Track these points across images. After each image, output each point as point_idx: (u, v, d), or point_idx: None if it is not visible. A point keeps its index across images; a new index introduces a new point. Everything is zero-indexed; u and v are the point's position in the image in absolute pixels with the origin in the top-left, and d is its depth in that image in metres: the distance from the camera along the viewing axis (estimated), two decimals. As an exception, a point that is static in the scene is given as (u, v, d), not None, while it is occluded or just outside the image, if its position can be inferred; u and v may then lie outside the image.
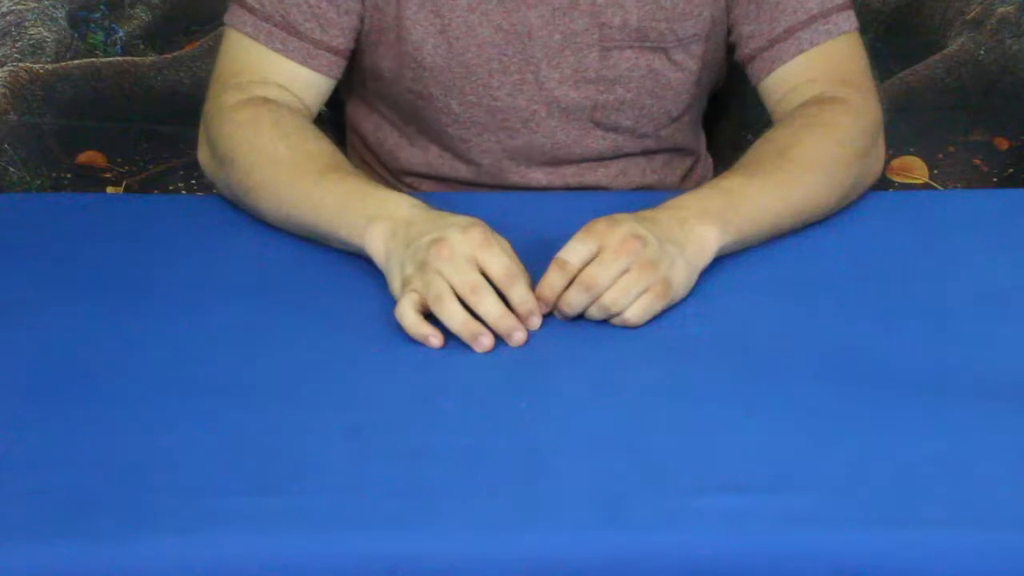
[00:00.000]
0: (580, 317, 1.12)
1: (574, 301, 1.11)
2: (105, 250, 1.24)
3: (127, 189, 1.88)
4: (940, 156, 1.90)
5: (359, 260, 1.19)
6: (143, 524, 0.92)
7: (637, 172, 1.45)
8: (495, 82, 1.37)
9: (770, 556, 0.91)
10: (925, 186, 1.92)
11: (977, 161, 1.90)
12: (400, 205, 1.17)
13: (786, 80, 1.35)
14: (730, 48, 1.41)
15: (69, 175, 1.85)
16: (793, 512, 0.93)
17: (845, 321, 1.13)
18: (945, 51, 1.84)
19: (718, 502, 0.93)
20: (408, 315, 1.10)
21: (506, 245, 1.13)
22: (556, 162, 1.42)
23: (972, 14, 1.82)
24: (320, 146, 1.27)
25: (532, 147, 1.41)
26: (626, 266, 1.10)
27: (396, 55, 1.38)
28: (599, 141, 1.41)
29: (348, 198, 1.20)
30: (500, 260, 1.11)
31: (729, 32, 1.39)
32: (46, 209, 1.34)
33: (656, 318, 1.12)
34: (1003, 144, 1.89)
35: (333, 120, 1.56)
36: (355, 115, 1.50)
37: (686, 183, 1.50)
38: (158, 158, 1.85)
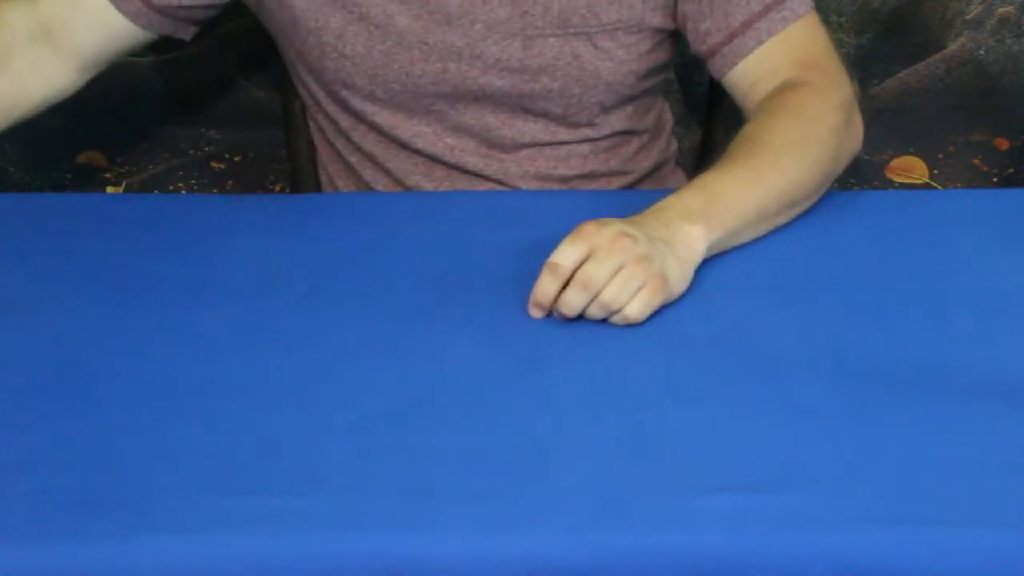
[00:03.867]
0: (579, 317, 1.12)
1: (573, 301, 1.11)
2: (105, 250, 1.24)
3: (127, 189, 1.87)
4: (940, 156, 1.90)
5: (360, 259, 1.19)
6: (144, 524, 0.92)
7: (579, 160, 1.45)
8: (417, 70, 1.37)
9: (770, 556, 0.91)
10: (925, 186, 1.92)
11: (977, 161, 1.90)
12: None
13: (749, 72, 1.35)
14: (677, 40, 1.42)
15: (69, 175, 1.85)
16: (793, 512, 0.93)
17: (845, 321, 1.13)
18: (945, 51, 1.84)
19: (718, 502, 0.93)
20: None
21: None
22: (490, 145, 1.42)
23: (972, 14, 1.82)
24: None
25: (462, 129, 1.40)
26: (620, 263, 1.10)
27: (317, 44, 1.38)
28: (530, 124, 1.41)
29: None
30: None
31: (677, 26, 1.39)
32: (46, 209, 1.34)
33: (656, 318, 1.12)
34: (1003, 144, 1.89)
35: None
36: (315, 131, 1.51)
37: (634, 164, 1.49)
38: (158, 158, 1.85)
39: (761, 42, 1.34)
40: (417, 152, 1.43)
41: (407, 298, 1.16)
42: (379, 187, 1.46)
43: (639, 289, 1.11)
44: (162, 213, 1.32)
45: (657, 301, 1.12)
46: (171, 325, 1.13)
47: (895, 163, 1.93)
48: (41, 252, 1.24)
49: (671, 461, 0.98)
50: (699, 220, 1.17)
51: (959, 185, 1.92)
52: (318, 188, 1.61)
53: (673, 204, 1.18)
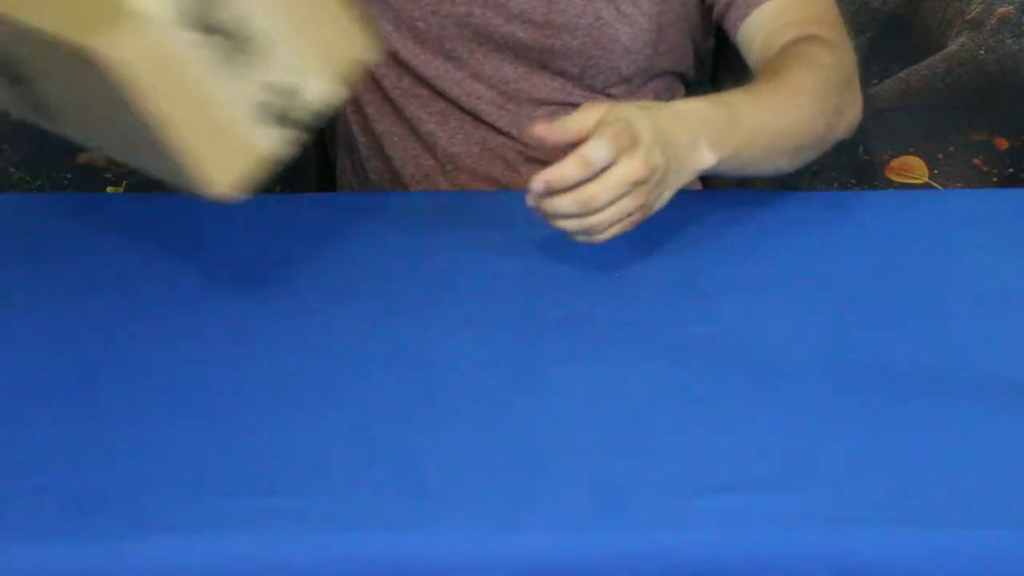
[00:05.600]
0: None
1: (565, 209, 1.09)
2: (105, 250, 1.24)
3: (127, 189, 1.88)
4: (940, 156, 1.90)
5: (360, 259, 1.19)
6: (144, 524, 0.92)
7: None
8: (443, 9, 1.39)
9: (770, 556, 0.91)
10: (925, 186, 1.92)
11: (977, 161, 1.90)
12: None
13: (762, 25, 1.36)
14: (703, 16, 1.42)
15: (69, 175, 1.85)
16: (793, 512, 0.93)
17: (845, 321, 1.13)
18: (945, 51, 1.84)
19: (718, 502, 0.93)
20: None
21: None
22: (507, 97, 1.43)
23: (972, 14, 1.82)
24: None
25: (481, 78, 1.42)
26: (626, 192, 1.09)
27: None
28: (547, 82, 1.42)
29: None
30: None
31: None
32: (46, 209, 1.34)
33: (656, 318, 1.12)
34: (1003, 144, 1.89)
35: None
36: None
37: None
38: (158, 158, 1.85)
39: None
40: (436, 95, 1.44)
41: (407, 298, 1.16)
42: (394, 139, 1.48)
43: (622, 219, 1.11)
44: (162, 213, 1.32)
45: (627, 230, 1.12)
46: (171, 325, 1.13)
47: (895, 163, 1.93)
48: (41, 252, 1.24)
49: (671, 461, 0.98)
50: (717, 147, 1.16)
51: (959, 185, 1.92)
52: (331, 148, 1.61)
53: (701, 115, 1.17)
